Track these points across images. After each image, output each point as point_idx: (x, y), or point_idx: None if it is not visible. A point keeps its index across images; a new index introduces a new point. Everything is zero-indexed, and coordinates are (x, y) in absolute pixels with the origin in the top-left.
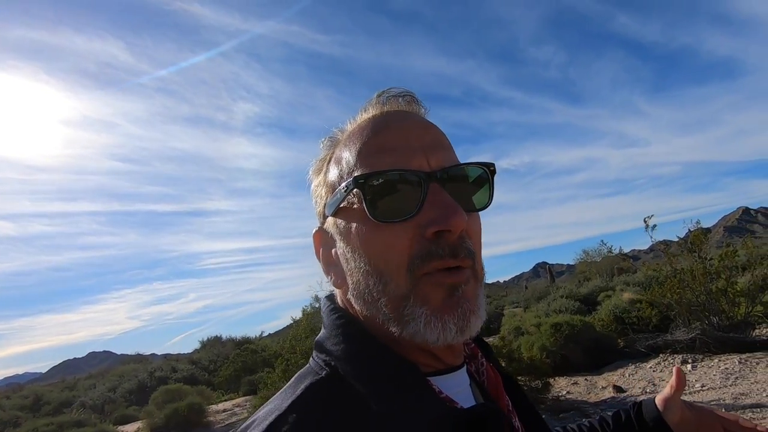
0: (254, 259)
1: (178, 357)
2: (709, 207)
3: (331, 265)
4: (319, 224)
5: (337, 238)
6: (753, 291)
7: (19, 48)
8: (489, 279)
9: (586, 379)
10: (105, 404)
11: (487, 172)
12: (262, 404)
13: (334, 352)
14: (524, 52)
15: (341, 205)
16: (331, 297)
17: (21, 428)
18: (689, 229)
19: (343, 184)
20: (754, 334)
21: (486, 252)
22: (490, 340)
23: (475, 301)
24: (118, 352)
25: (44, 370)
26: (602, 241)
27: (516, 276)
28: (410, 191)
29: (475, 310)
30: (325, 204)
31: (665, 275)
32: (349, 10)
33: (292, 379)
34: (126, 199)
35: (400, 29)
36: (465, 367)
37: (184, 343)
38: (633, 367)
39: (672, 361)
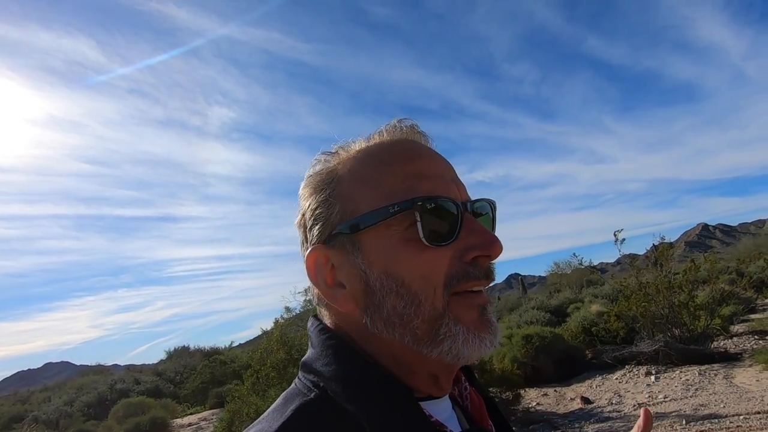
0: (225, 267)
1: (142, 368)
2: (672, 222)
3: (335, 287)
4: (315, 243)
5: (356, 257)
6: (711, 305)
7: None
8: None
9: (555, 391)
10: (60, 419)
11: (491, 207)
12: (230, 417)
13: (324, 373)
14: (499, 68)
15: (372, 225)
16: (317, 316)
17: None
18: (653, 244)
19: (390, 204)
20: (712, 346)
21: None
22: None
23: (495, 317)
24: (78, 363)
25: None
26: (574, 253)
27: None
28: (451, 218)
29: (498, 326)
30: (337, 222)
31: (631, 289)
32: (329, 20)
33: (277, 400)
34: (93, 202)
35: (379, 41)
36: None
37: (150, 354)
38: (600, 378)
39: (637, 372)
